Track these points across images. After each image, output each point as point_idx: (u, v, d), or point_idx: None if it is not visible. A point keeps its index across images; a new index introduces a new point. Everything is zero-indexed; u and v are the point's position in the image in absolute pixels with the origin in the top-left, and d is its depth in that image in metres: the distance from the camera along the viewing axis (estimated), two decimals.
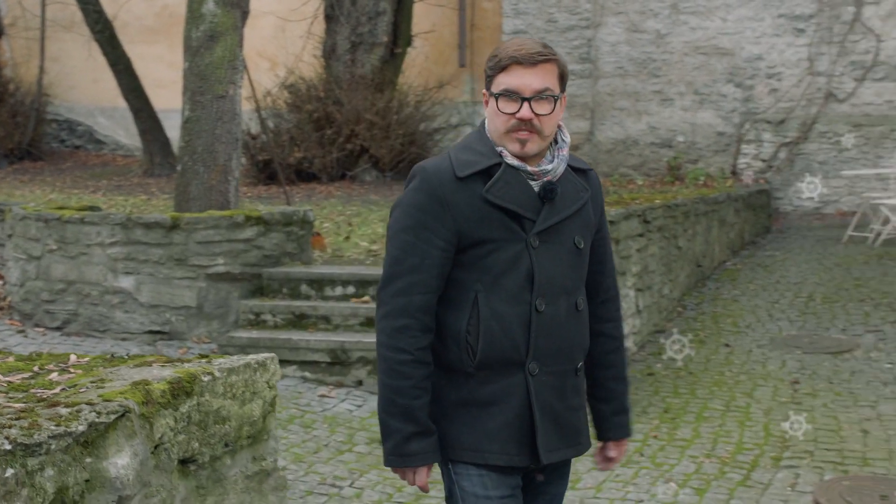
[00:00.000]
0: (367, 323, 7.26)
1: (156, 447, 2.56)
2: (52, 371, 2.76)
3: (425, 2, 16.15)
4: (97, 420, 2.30)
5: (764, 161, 15.35)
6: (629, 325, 7.63)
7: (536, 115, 2.65)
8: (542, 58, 2.66)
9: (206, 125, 8.67)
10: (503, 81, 2.66)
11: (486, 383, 2.71)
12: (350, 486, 5.39)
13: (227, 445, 2.94)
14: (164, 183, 14.91)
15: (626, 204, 8.64)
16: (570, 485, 3.87)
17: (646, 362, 7.85)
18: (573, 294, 2.78)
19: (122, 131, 18.79)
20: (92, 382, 2.57)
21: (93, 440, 2.29)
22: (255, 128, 14.60)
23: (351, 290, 7.59)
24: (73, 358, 2.92)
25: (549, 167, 2.73)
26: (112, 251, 7.85)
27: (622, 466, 5.66)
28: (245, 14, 9.00)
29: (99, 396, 2.42)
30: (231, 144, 8.78)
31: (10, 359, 3.05)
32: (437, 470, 2.85)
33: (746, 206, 13.29)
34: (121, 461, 2.36)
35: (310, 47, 16.18)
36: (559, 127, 2.78)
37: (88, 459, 2.27)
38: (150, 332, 7.80)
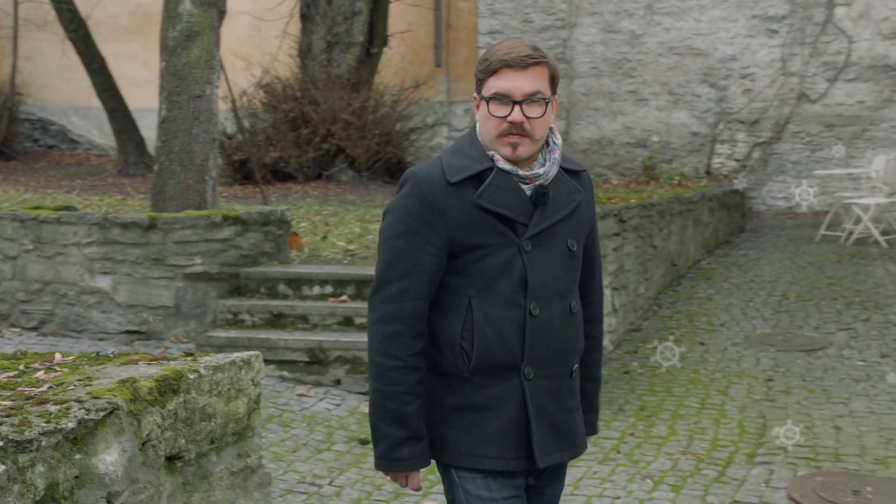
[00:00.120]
0: (345, 322, 7.29)
1: (143, 444, 2.59)
2: (38, 369, 2.77)
3: (401, 2, 16.17)
4: (86, 417, 2.33)
5: (738, 161, 15.47)
6: (605, 323, 7.69)
7: (527, 118, 2.64)
8: (532, 61, 2.65)
9: (183, 125, 8.66)
10: (494, 85, 2.65)
11: (481, 388, 2.71)
12: (329, 484, 5.42)
13: (212, 442, 2.97)
14: (138, 183, 14.86)
15: (601, 203, 8.69)
16: None
17: (622, 360, 7.91)
18: (567, 297, 2.79)
19: (96, 131, 18.70)
20: (79, 380, 2.59)
21: (82, 437, 2.32)
22: (230, 127, 14.57)
23: (329, 289, 7.61)
24: (58, 356, 2.93)
25: (541, 171, 2.72)
26: (89, 251, 7.84)
27: (599, 464, 5.71)
28: (222, 14, 8.99)
29: (87, 394, 2.44)
30: (208, 144, 8.77)
31: None
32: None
33: (721, 205, 13.39)
34: (109, 458, 2.39)
35: (285, 47, 16.16)
36: (551, 129, 2.78)
37: (78, 456, 2.30)
38: (128, 332, 7.79)
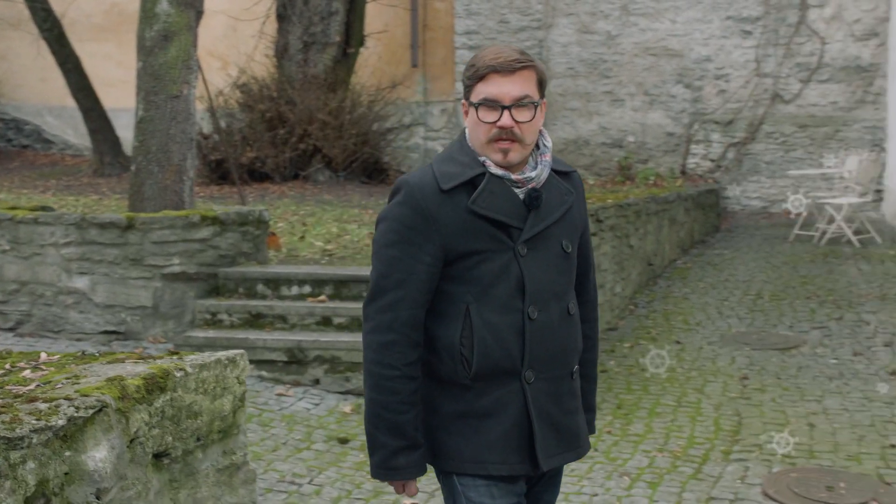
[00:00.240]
0: (324, 322, 7.31)
1: (131, 441, 2.61)
2: (25, 368, 2.79)
3: (378, 2, 16.19)
4: (76, 415, 2.35)
5: (713, 161, 15.59)
6: None
7: (517, 122, 2.64)
8: (519, 65, 2.64)
9: (161, 125, 8.65)
10: (482, 91, 2.65)
11: (482, 394, 2.70)
12: (309, 483, 5.44)
13: (198, 440, 2.99)
14: (114, 183, 14.82)
15: None
16: None
17: (599, 359, 7.95)
18: (564, 299, 2.79)
19: (71, 130, 18.62)
20: (66, 379, 2.61)
21: (72, 434, 2.34)
22: (207, 127, 14.55)
23: (307, 289, 7.63)
24: (43, 356, 2.95)
25: (533, 174, 2.72)
26: (66, 251, 7.82)
27: (577, 461, 5.75)
28: (199, 14, 8.99)
29: (76, 392, 2.46)
30: (186, 144, 8.77)
31: None
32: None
33: (696, 205, 13.48)
34: (98, 455, 2.41)
35: (262, 47, 16.15)
36: (540, 132, 2.77)
37: (68, 453, 2.32)
38: (106, 332, 7.78)
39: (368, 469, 5.53)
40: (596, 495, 5.29)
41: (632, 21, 15.75)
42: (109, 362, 2.83)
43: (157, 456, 2.79)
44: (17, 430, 2.17)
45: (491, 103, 2.64)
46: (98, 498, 2.42)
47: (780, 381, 7.30)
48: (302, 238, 9.81)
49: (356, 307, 7.28)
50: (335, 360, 7.01)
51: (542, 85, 2.71)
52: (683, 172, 15.61)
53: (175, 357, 2.96)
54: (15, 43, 18.15)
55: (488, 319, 2.67)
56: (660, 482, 5.46)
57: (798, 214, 12.90)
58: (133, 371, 2.71)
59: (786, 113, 15.20)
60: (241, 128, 14.99)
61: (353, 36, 15.59)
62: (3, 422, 2.18)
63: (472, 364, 2.67)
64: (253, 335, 7.20)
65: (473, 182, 2.68)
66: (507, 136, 2.65)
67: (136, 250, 7.71)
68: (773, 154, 15.28)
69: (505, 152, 2.67)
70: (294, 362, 7.09)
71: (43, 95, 18.56)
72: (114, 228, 7.74)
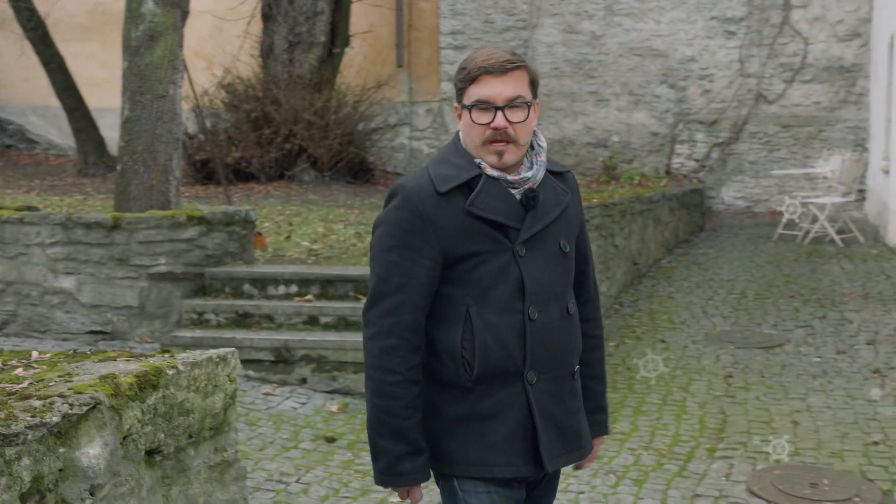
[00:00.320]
0: (310, 321, 7.33)
1: (124, 438, 2.63)
2: (17, 367, 2.80)
3: (363, 2, 16.20)
4: (70, 412, 2.37)
5: (697, 161, 15.67)
6: None
7: (510, 122, 2.63)
8: (511, 65, 2.63)
9: (147, 125, 8.64)
10: (475, 93, 2.64)
11: (485, 397, 2.68)
12: (297, 481, 5.46)
13: (190, 437, 3.01)
14: (99, 183, 14.79)
15: None
16: None
17: None
18: (563, 299, 2.77)
19: (55, 130, 18.56)
20: (59, 377, 2.63)
21: (66, 431, 2.36)
22: (192, 127, 14.53)
23: (294, 289, 7.65)
24: (35, 354, 2.96)
25: (529, 174, 2.71)
26: (52, 251, 7.81)
27: None
28: (185, 14, 8.98)
29: (70, 389, 2.48)
30: (171, 144, 8.76)
31: None
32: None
33: (680, 205, 13.55)
34: (92, 451, 2.43)
35: (247, 47, 16.14)
36: (535, 133, 2.77)
37: (62, 449, 2.34)
38: (92, 332, 7.78)
39: (355, 468, 5.59)
40: (582, 493, 5.32)
41: (616, 21, 15.82)
42: (101, 360, 2.85)
43: (150, 453, 2.81)
44: (13, 427, 2.19)
45: (484, 105, 2.63)
46: (92, 494, 2.44)
47: (765, 379, 7.35)
48: (288, 238, 9.82)
49: (343, 307, 7.30)
50: (322, 360, 7.03)
51: (534, 85, 2.70)
52: (668, 172, 15.68)
53: (167, 355, 2.98)
54: None
55: (489, 321, 2.66)
56: (645, 480, 5.50)
57: (791, 220, 12.96)
58: (125, 369, 2.73)
59: (769, 113, 15.29)
60: (227, 128, 14.98)
61: (338, 36, 15.59)
62: None
63: (473, 366, 2.66)
64: (240, 335, 7.21)
65: (470, 184, 2.67)
66: (501, 137, 2.65)
67: (123, 250, 7.71)
68: (756, 154, 15.37)
69: (500, 154, 2.67)
70: (281, 362, 7.11)
71: (27, 95, 18.50)
72: (100, 228, 7.74)
